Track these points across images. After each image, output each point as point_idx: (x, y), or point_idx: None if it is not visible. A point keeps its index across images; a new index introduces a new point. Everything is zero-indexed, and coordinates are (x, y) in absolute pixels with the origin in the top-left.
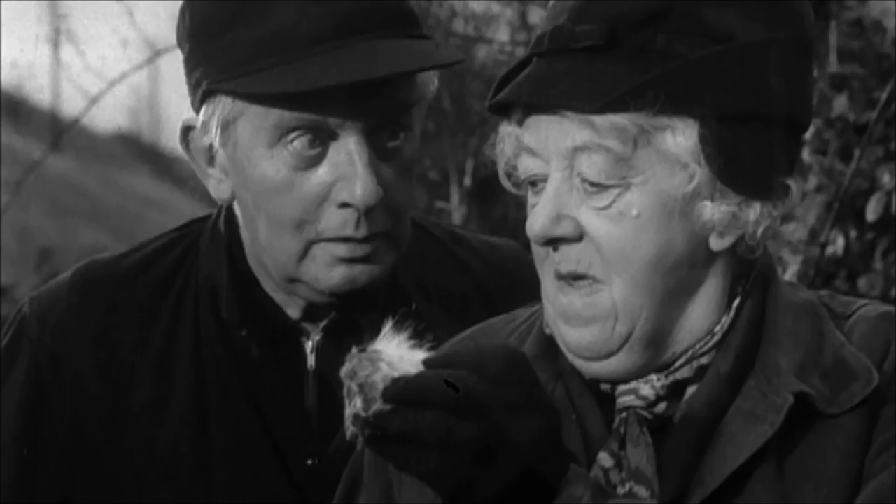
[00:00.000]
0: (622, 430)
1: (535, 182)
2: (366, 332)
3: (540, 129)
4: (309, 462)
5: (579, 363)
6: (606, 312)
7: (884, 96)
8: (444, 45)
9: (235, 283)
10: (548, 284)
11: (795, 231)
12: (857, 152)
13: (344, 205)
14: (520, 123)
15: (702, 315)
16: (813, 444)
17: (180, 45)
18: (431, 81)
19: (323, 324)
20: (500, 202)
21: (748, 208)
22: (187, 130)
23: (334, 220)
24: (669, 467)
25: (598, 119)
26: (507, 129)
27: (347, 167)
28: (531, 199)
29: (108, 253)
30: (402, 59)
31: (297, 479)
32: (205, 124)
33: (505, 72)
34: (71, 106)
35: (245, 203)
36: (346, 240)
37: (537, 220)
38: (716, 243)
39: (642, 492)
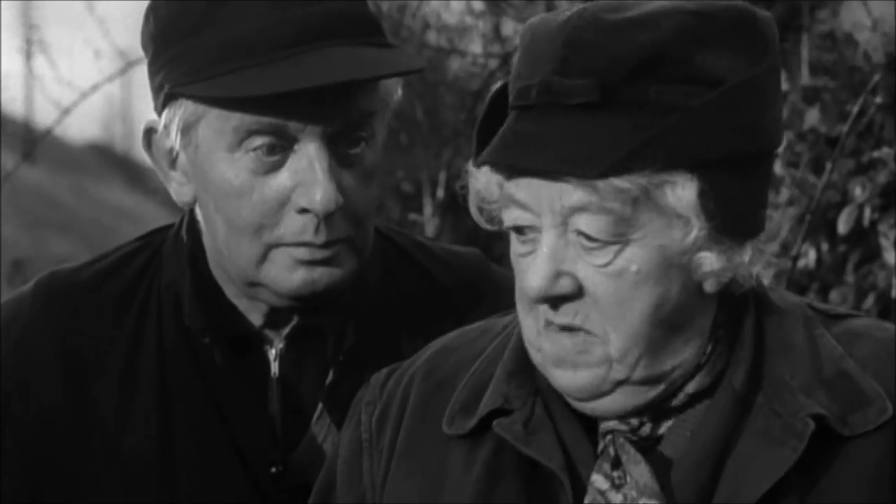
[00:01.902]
0: (611, 450)
1: (523, 230)
2: (329, 339)
3: (532, 187)
4: (273, 470)
5: (572, 401)
6: (600, 361)
7: (856, 109)
8: (406, 53)
9: (198, 290)
10: (532, 331)
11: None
12: (828, 165)
13: (303, 210)
14: (508, 177)
15: (693, 349)
16: (831, 467)
17: (144, 47)
18: (394, 90)
19: (286, 331)
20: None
21: (742, 251)
22: (150, 133)
23: (294, 225)
24: (683, 487)
25: (600, 183)
26: (489, 177)
27: (307, 173)
28: (520, 247)
29: (70, 263)
30: (361, 65)
31: (262, 486)
32: (167, 127)
33: (481, 119)
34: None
35: (206, 206)
36: (305, 244)
37: (535, 280)
38: (711, 286)
39: None
